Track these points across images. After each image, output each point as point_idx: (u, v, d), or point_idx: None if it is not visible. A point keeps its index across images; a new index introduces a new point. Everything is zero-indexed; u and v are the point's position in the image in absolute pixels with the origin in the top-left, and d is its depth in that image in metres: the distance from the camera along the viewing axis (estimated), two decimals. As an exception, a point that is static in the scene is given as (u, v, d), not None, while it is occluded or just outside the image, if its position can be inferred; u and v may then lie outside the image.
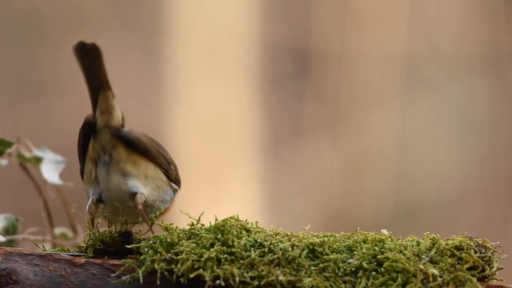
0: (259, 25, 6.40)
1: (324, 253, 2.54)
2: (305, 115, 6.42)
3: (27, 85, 6.34)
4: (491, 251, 2.58)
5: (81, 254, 2.61)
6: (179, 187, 2.73)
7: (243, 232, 2.57)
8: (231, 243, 2.54)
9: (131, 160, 2.62)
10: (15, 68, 6.39)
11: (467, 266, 2.53)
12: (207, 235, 2.56)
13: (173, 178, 2.70)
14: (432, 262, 2.54)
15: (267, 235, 2.58)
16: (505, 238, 5.52)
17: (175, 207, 2.73)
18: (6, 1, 6.34)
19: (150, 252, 2.53)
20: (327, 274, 2.52)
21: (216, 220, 2.59)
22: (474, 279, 2.52)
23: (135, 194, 2.62)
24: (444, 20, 6.43)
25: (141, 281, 2.53)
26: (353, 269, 2.53)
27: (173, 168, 2.70)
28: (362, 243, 2.57)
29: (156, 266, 2.52)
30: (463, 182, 6.36)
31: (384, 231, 2.61)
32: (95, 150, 2.61)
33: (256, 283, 2.50)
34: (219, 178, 6.26)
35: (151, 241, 2.54)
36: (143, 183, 2.63)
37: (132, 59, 6.33)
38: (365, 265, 2.52)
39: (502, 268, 2.60)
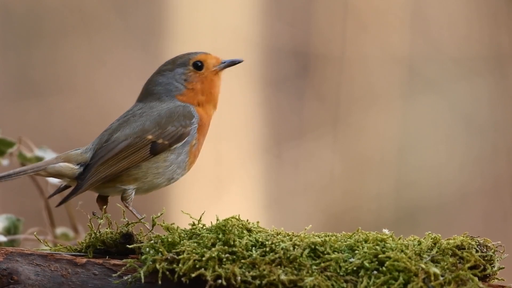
0: (260, 26, 6.39)
1: (325, 252, 2.55)
2: (306, 116, 6.42)
3: (28, 85, 6.34)
4: (493, 250, 2.58)
5: (82, 254, 2.61)
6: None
7: (245, 231, 2.57)
8: (232, 243, 2.54)
9: None
10: (16, 68, 6.39)
11: (468, 265, 2.54)
12: (208, 234, 2.56)
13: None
14: (434, 261, 2.54)
15: (268, 235, 2.58)
16: (507, 237, 5.52)
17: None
18: (6, 1, 6.34)
19: (151, 252, 2.53)
20: (328, 274, 2.52)
21: (217, 220, 2.59)
22: (476, 278, 2.52)
23: None
24: (446, 21, 6.43)
25: (142, 281, 2.53)
26: (355, 268, 2.53)
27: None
28: (363, 242, 2.57)
29: (157, 266, 2.52)
30: (464, 183, 6.36)
31: (386, 231, 2.61)
32: None
33: (257, 282, 2.50)
34: (220, 178, 6.26)
35: (152, 241, 2.54)
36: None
37: (132, 59, 6.33)
38: (367, 264, 2.52)
39: (504, 268, 2.60)
